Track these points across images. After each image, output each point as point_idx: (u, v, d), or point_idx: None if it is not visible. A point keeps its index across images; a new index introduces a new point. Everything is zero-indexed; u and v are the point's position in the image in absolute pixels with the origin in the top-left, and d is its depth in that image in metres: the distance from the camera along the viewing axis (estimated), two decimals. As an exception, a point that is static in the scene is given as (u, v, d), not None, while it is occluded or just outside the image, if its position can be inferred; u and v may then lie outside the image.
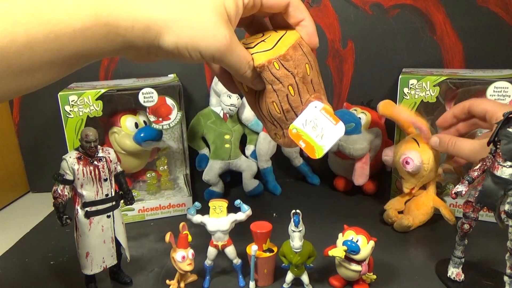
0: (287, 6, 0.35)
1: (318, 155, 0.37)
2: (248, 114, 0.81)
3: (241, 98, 0.79)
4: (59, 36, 0.26)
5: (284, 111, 0.37)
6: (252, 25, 0.40)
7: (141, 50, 0.31)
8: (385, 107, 0.66)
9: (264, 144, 0.82)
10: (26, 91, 0.29)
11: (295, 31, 0.37)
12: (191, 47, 0.30)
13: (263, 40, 0.37)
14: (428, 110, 0.80)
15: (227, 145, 0.81)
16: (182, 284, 0.52)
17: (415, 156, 0.62)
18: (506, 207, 0.44)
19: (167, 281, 0.52)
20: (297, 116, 0.38)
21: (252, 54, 0.35)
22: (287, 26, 0.38)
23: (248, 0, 0.33)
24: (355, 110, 0.79)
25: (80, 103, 0.66)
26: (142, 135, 0.72)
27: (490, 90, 0.63)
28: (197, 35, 0.30)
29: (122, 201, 0.52)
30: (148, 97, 0.68)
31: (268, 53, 0.35)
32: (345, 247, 0.47)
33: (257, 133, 0.85)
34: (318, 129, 0.37)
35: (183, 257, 0.48)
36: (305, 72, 0.37)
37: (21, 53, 0.25)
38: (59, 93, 0.66)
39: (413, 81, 0.68)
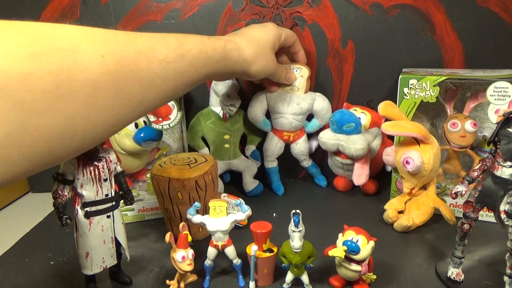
0: (295, 42, 0.74)
1: None
2: (257, 113, 0.80)
3: (240, 100, 0.78)
4: (208, 60, 0.50)
5: None
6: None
7: (235, 74, 0.61)
8: (386, 108, 0.66)
9: (271, 143, 0.81)
10: (168, 101, 0.49)
11: None
12: (262, 71, 0.62)
13: None
14: (428, 109, 0.81)
15: (227, 145, 0.81)
16: (182, 284, 0.52)
17: (415, 156, 0.62)
18: (506, 207, 0.44)
19: (167, 281, 0.52)
20: None
21: None
22: None
23: (282, 41, 0.69)
24: (355, 110, 0.79)
25: (80, 103, 0.66)
26: (142, 135, 0.71)
27: (490, 90, 0.63)
28: (266, 65, 0.62)
29: (122, 201, 0.52)
30: (148, 97, 0.68)
31: None
32: (345, 247, 0.47)
33: (258, 134, 0.85)
34: None
35: (183, 257, 0.48)
36: None
37: (189, 70, 0.47)
38: (59, 93, 0.66)
39: (413, 81, 0.68)
